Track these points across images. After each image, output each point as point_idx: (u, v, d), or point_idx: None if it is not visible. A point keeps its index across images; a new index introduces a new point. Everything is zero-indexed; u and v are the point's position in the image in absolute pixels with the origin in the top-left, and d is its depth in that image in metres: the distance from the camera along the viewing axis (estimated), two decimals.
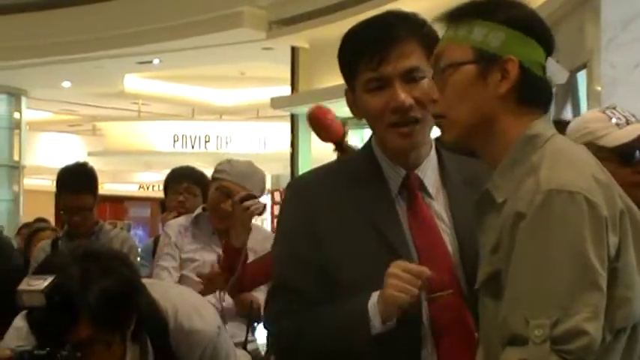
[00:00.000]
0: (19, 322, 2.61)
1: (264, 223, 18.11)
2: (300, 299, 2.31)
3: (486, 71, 2.08)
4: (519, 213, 1.94)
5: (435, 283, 2.20)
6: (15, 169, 18.72)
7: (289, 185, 2.54)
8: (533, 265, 1.91)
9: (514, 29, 2.08)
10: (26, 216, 16.72)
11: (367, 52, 2.32)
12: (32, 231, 8.36)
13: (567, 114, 7.78)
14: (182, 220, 4.54)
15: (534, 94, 2.10)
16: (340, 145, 3.59)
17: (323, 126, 3.62)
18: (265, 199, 14.07)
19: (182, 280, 4.31)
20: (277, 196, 13.20)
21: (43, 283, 2.26)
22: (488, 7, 2.11)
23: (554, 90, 2.13)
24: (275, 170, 17.88)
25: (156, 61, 16.36)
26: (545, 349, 1.85)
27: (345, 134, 3.58)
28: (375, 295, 2.19)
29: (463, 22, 2.12)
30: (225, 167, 4.39)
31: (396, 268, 2.16)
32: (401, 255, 2.25)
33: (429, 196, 2.38)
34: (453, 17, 2.14)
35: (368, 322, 2.18)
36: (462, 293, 2.27)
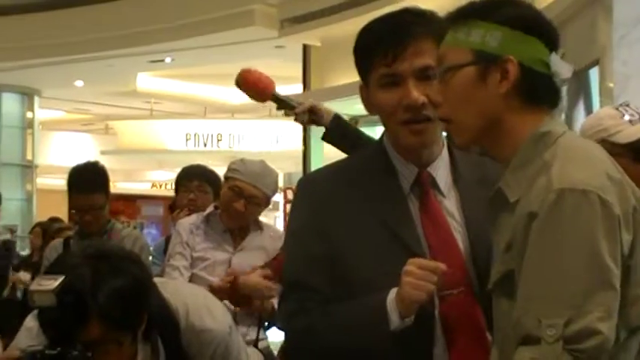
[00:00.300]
0: (30, 322, 2.62)
1: (277, 220, 18.16)
2: (312, 297, 2.30)
3: (486, 72, 2.07)
4: (532, 213, 1.93)
5: (446, 281, 2.19)
6: (28, 169, 18.79)
7: (299, 183, 2.53)
8: (546, 264, 1.90)
9: (512, 28, 2.07)
10: (39, 215, 16.77)
11: (382, 47, 2.31)
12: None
13: (580, 111, 7.78)
14: (194, 218, 4.54)
15: (537, 91, 2.08)
16: (280, 102, 3.60)
17: (254, 84, 3.63)
18: (278, 197, 14.14)
19: (193, 278, 4.32)
20: (290, 194, 13.23)
21: (54, 283, 2.26)
22: (486, 7, 2.11)
23: (561, 86, 2.12)
24: (287, 168, 17.91)
25: (168, 59, 16.39)
26: (558, 349, 1.84)
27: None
28: (392, 292, 2.18)
29: (462, 24, 2.11)
30: (239, 167, 4.39)
31: (412, 265, 2.16)
32: (414, 252, 2.25)
33: (441, 193, 2.38)
34: (453, 20, 2.14)
35: (387, 319, 2.17)
36: (474, 291, 2.26)
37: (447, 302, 2.24)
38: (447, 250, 2.30)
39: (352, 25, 10.44)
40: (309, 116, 3.65)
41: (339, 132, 3.66)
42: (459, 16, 2.12)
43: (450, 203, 2.37)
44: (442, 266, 2.15)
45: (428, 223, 2.33)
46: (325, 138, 3.70)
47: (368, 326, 2.20)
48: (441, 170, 2.39)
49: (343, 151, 3.65)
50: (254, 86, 3.65)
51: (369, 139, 3.66)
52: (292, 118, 3.73)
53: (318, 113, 3.66)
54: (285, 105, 3.66)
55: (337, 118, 3.67)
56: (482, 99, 2.07)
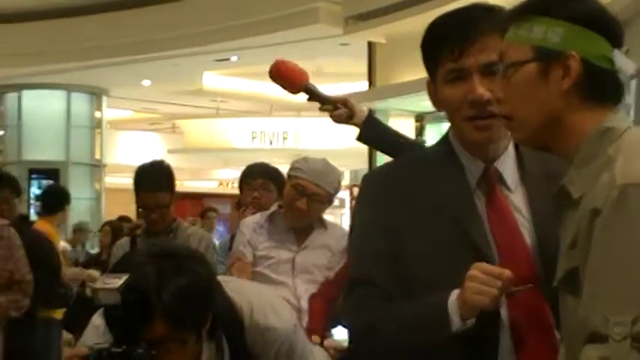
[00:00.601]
0: (97, 319, 2.64)
1: (342, 218, 18.16)
2: (376, 294, 2.30)
3: (547, 69, 2.04)
4: (595, 209, 1.90)
5: (513, 278, 2.17)
6: (96, 168, 19.01)
7: (364, 179, 2.53)
8: (610, 261, 1.87)
9: (575, 23, 2.04)
10: (108, 214, 16.95)
11: (449, 43, 2.31)
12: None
13: None
14: (257, 217, 4.56)
15: (600, 87, 2.05)
16: (313, 94, 3.59)
17: (287, 75, 3.62)
18: (344, 194, 14.11)
19: (258, 277, 4.33)
20: (356, 192, 13.22)
21: (119, 281, 2.27)
22: (548, 3, 2.08)
23: (627, 82, 2.08)
24: (353, 166, 17.91)
25: (234, 58, 16.46)
26: (626, 347, 1.81)
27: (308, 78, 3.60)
28: (454, 293, 2.17)
29: (524, 20, 2.09)
30: (301, 165, 4.41)
31: (476, 269, 2.14)
32: (481, 249, 2.24)
33: (508, 189, 2.36)
34: (515, 16, 2.11)
35: (448, 319, 2.16)
36: (541, 288, 2.23)
37: (514, 299, 2.22)
38: (513, 245, 2.28)
39: (417, 21, 10.40)
40: (345, 111, 3.62)
41: (375, 131, 3.63)
42: (521, 12, 2.10)
43: (516, 199, 2.35)
44: (508, 272, 2.13)
45: (494, 219, 2.31)
46: (360, 138, 3.68)
47: (429, 327, 2.19)
48: (507, 165, 2.37)
49: (380, 150, 3.63)
50: (287, 77, 3.65)
51: (407, 139, 3.63)
52: (327, 112, 3.70)
53: (351, 109, 3.64)
54: (318, 98, 3.65)
55: (371, 117, 3.65)
56: (544, 96, 2.05)
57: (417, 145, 3.50)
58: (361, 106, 3.68)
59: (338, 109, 3.62)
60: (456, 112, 2.33)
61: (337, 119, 3.64)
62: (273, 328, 2.65)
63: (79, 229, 12.31)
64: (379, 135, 3.64)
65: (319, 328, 4.21)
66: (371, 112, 3.67)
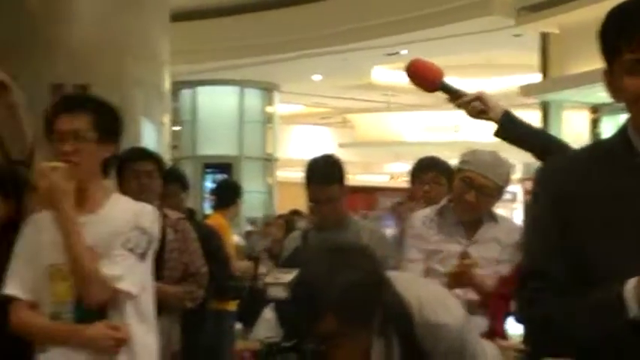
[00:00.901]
0: (268, 313, 2.66)
1: (514, 213, 17.92)
2: (550, 286, 2.25)
3: None
4: None
5: None
6: (268, 162, 19.30)
7: (538, 171, 2.48)
8: None
9: None
10: (280, 207, 17.18)
11: (627, 32, 2.22)
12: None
13: None
14: (427, 211, 4.54)
15: None
16: (449, 92, 3.52)
17: (424, 73, 3.56)
18: (516, 188, 13.91)
19: (428, 272, 4.30)
20: (529, 185, 13.05)
21: (289, 276, 2.28)
22: None
23: None
24: (525, 158, 17.67)
25: (404, 51, 16.42)
26: None
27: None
28: (632, 281, 2.10)
29: None
30: (469, 157, 4.37)
31: None
32: None
33: None
34: None
35: (625, 306, 2.09)
36: None
37: None
38: None
39: (592, 11, 10.17)
40: (478, 104, 3.57)
41: (513, 127, 3.56)
42: None
43: None
44: None
45: None
46: (498, 134, 3.61)
47: (605, 314, 2.13)
48: None
49: (519, 147, 3.56)
50: (423, 75, 3.62)
51: (557, 141, 3.55)
52: (461, 109, 3.65)
53: (487, 104, 3.58)
54: (454, 96, 3.60)
55: (508, 113, 3.58)
56: None
57: (566, 146, 3.42)
58: (497, 102, 3.63)
59: (471, 103, 3.58)
60: (635, 103, 2.25)
61: (470, 112, 3.61)
62: (444, 325, 2.62)
63: (268, 224, 12.47)
64: (519, 131, 3.59)
65: (501, 328, 4.17)
66: (507, 110, 3.62)
